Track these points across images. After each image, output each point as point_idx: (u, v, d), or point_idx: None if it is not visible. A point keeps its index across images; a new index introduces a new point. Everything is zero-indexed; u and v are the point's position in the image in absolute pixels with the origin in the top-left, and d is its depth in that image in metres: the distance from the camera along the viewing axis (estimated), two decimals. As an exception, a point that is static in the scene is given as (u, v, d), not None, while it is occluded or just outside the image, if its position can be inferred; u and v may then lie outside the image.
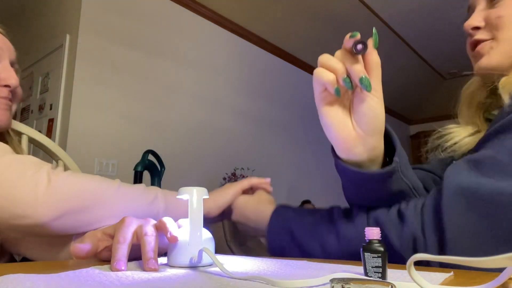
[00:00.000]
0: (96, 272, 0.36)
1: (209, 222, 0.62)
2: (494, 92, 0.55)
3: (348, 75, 0.42)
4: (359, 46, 0.40)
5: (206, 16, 2.95)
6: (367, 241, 0.34)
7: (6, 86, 0.66)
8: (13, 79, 0.66)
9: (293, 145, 3.64)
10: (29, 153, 0.72)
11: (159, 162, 1.90)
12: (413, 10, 3.26)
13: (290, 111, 3.66)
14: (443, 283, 0.32)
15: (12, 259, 0.67)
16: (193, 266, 0.42)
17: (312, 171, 3.79)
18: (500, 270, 0.26)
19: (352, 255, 0.46)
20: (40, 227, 0.50)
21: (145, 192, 0.58)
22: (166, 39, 2.67)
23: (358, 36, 0.40)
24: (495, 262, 0.24)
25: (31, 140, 0.93)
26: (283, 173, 3.43)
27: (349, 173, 0.48)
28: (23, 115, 2.64)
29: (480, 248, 0.39)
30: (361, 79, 0.41)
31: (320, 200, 3.35)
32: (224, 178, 2.84)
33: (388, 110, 5.23)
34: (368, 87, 0.41)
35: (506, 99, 0.47)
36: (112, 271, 0.37)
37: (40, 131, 1.30)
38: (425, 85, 4.94)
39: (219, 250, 0.43)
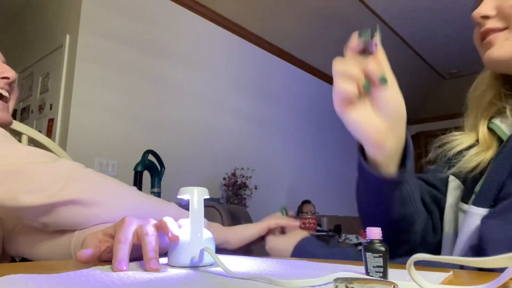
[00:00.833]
0: (97, 272, 0.36)
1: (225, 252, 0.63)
2: (503, 94, 0.52)
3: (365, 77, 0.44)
4: (374, 47, 0.42)
5: (206, 16, 2.95)
6: (368, 240, 0.34)
7: (4, 78, 0.67)
8: (10, 71, 0.68)
9: (293, 145, 3.64)
10: None
11: (159, 162, 1.90)
12: (413, 9, 3.26)
13: (290, 111, 3.66)
14: (443, 283, 0.32)
15: (12, 261, 0.67)
16: (194, 266, 0.42)
17: (312, 171, 3.79)
18: (499, 270, 0.26)
19: None
20: (48, 209, 0.50)
21: (158, 201, 0.59)
22: (166, 39, 2.67)
23: (369, 36, 0.42)
24: (495, 262, 0.24)
25: (31, 140, 0.93)
26: (283, 173, 3.43)
27: (371, 177, 0.49)
28: (23, 115, 2.64)
29: None
30: (380, 77, 0.43)
31: (320, 200, 3.35)
32: (224, 178, 2.84)
33: (388, 110, 5.23)
34: (386, 83, 0.43)
35: None
36: (114, 271, 0.37)
37: (40, 131, 1.30)
38: (425, 85, 4.94)
39: (219, 250, 0.43)
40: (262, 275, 0.34)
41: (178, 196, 0.46)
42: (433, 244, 0.58)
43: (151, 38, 2.57)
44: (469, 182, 0.54)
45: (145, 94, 2.50)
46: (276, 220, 0.68)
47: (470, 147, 0.55)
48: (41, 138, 0.95)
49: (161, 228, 0.44)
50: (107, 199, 0.53)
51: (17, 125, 0.85)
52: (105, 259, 0.44)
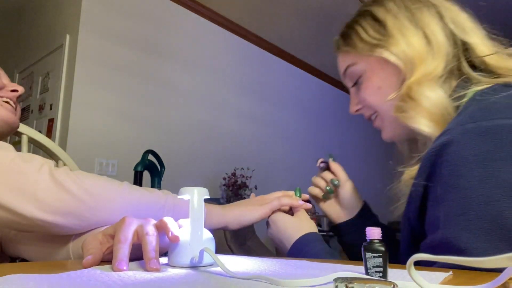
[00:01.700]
0: (97, 272, 0.36)
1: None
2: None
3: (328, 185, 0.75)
4: (322, 165, 0.76)
5: (206, 16, 2.95)
6: (368, 241, 0.34)
7: (13, 91, 0.71)
8: (19, 86, 0.73)
9: (293, 145, 3.64)
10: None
11: (159, 162, 1.90)
12: None
13: (290, 111, 3.66)
14: (442, 282, 0.32)
15: (12, 261, 0.67)
16: (194, 266, 0.42)
17: (312, 171, 3.78)
18: (499, 270, 0.26)
19: None
20: (37, 227, 0.49)
21: (153, 198, 0.56)
22: (166, 39, 2.67)
23: (320, 161, 0.77)
24: (495, 262, 0.24)
25: (31, 140, 0.93)
26: (283, 173, 3.43)
27: (336, 229, 0.78)
28: (23, 115, 2.64)
29: None
30: (331, 181, 0.74)
31: (320, 200, 3.34)
32: (224, 178, 2.84)
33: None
34: (336, 184, 0.73)
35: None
36: (114, 271, 0.37)
37: (40, 131, 1.30)
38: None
39: (219, 250, 0.43)
40: (262, 275, 0.34)
41: (179, 196, 0.46)
42: None
43: (151, 38, 2.57)
44: None
45: (145, 94, 2.50)
46: (279, 201, 0.67)
47: None
48: (41, 138, 0.95)
49: (161, 228, 0.44)
50: (102, 207, 0.51)
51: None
52: (106, 259, 0.44)
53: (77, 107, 2.16)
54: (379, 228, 0.34)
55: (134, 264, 0.42)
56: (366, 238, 0.34)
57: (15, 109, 0.71)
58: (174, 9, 2.74)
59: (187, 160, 2.65)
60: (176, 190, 0.58)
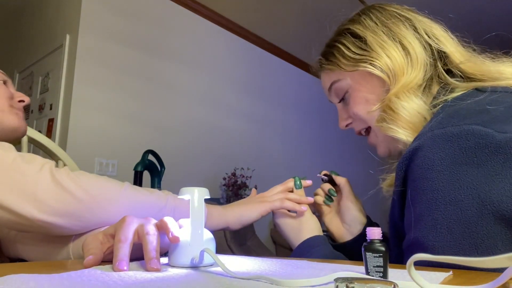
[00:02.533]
0: (98, 272, 0.36)
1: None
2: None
3: (327, 195, 0.75)
4: (324, 178, 0.75)
5: (206, 16, 2.95)
6: (369, 241, 0.34)
7: (21, 101, 0.75)
8: (25, 96, 0.76)
9: (293, 145, 3.64)
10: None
11: (159, 162, 1.89)
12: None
13: (290, 111, 3.66)
14: (442, 283, 0.32)
15: (12, 262, 0.67)
16: (194, 266, 0.42)
17: (311, 171, 3.79)
18: (498, 270, 0.26)
19: None
20: (37, 227, 0.49)
21: (154, 198, 0.56)
22: (166, 39, 2.67)
23: (323, 173, 0.76)
24: (495, 262, 0.24)
25: (31, 140, 0.93)
26: (283, 173, 3.43)
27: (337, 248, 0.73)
28: (23, 115, 2.64)
29: None
30: (329, 191, 0.74)
31: (320, 200, 3.34)
32: (224, 178, 2.84)
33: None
34: (333, 194, 0.73)
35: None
36: (115, 271, 0.37)
37: (40, 131, 1.30)
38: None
39: (219, 250, 0.43)
40: (263, 275, 0.34)
41: (179, 197, 0.46)
42: None
43: (151, 38, 2.57)
44: None
45: (145, 94, 2.50)
46: (282, 203, 0.67)
47: None
48: (41, 138, 0.95)
49: (161, 228, 0.44)
50: (102, 208, 0.51)
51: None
52: (106, 259, 0.43)
53: (77, 107, 2.16)
54: (379, 228, 0.34)
55: (134, 264, 0.42)
56: (367, 238, 0.35)
57: (23, 118, 0.75)
58: (174, 9, 2.74)
59: (187, 160, 2.65)
60: (176, 190, 0.58)
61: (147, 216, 0.47)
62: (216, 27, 3.05)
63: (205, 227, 0.45)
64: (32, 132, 0.92)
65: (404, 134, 0.54)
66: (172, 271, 0.39)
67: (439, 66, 0.58)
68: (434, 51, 0.58)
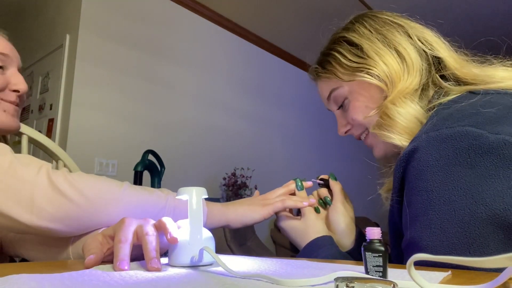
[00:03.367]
0: (99, 272, 0.36)
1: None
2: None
3: (322, 200, 0.72)
4: (319, 182, 0.73)
5: (206, 16, 2.95)
6: (368, 240, 0.34)
7: (15, 91, 0.68)
8: (22, 84, 0.68)
9: (293, 145, 3.64)
10: (29, 153, 0.71)
11: (159, 162, 1.90)
12: (413, 8, 3.26)
13: (290, 111, 3.67)
14: (442, 282, 0.33)
15: (12, 261, 0.67)
16: (193, 266, 0.42)
17: (312, 171, 3.79)
18: (498, 270, 0.26)
19: None
20: (36, 231, 0.49)
21: (153, 199, 0.56)
22: (166, 39, 2.67)
23: (319, 178, 0.74)
24: (495, 262, 0.24)
25: (31, 140, 0.93)
26: (283, 173, 3.43)
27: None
28: (23, 115, 2.64)
29: None
30: (325, 198, 0.71)
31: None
32: (224, 178, 2.84)
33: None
34: (328, 202, 0.70)
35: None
36: (115, 271, 0.38)
37: (40, 131, 1.30)
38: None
39: (218, 250, 0.43)
40: (263, 274, 0.34)
41: (177, 197, 0.46)
42: None
43: (151, 38, 2.57)
44: None
45: (145, 94, 2.50)
46: (283, 203, 0.67)
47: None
48: (41, 138, 0.95)
49: (160, 228, 0.44)
50: (100, 211, 0.51)
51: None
52: (106, 261, 0.44)
53: (77, 107, 2.16)
54: (379, 228, 0.35)
55: (134, 264, 0.42)
56: (366, 238, 0.35)
57: (17, 109, 0.68)
58: (174, 9, 2.74)
59: (187, 160, 2.65)
60: (176, 190, 0.58)
61: (147, 216, 0.47)
62: (216, 27, 3.05)
63: (205, 225, 0.45)
64: (32, 132, 0.92)
65: (400, 140, 0.55)
66: (172, 271, 0.39)
67: (433, 71, 0.59)
68: (429, 56, 0.59)
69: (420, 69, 0.58)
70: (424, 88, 0.58)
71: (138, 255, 0.44)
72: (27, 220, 0.47)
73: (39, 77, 2.55)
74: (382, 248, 0.33)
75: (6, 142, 0.71)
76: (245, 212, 0.64)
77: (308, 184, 0.72)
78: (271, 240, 3.13)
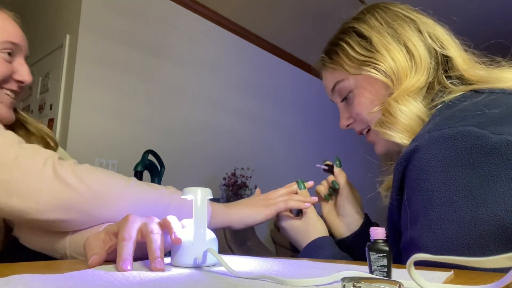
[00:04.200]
0: (102, 273, 0.36)
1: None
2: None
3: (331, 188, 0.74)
4: (324, 167, 0.76)
5: (206, 16, 2.95)
6: (372, 240, 0.34)
7: (19, 81, 0.67)
8: (27, 75, 0.67)
9: (293, 145, 3.64)
10: None
11: (159, 162, 1.89)
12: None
13: (290, 111, 3.66)
14: (445, 282, 0.33)
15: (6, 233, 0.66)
16: (197, 266, 0.42)
17: (312, 171, 3.79)
18: (496, 270, 0.26)
19: None
20: (41, 223, 0.49)
21: (159, 196, 0.55)
22: (166, 39, 2.67)
23: (325, 163, 0.77)
24: (496, 262, 0.24)
25: (32, 140, 0.92)
26: (283, 173, 3.43)
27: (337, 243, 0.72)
28: (22, 115, 2.63)
29: None
30: (332, 183, 0.74)
31: (319, 200, 3.34)
32: (224, 178, 2.84)
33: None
34: (335, 186, 0.73)
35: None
36: (118, 271, 0.37)
37: (40, 131, 1.30)
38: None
39: (219, 250, 0.43)
40: (267, 274, 0.34)
41: (182, 196, 0.46)
42: None
43: (151, 38, 2.57)
44: None
45: (145, 94, 2.50)
46: (285, 204, 0.66)
47: None
48: (42, 138, 0.95)
49: (164, 227, 0.44)
50: (105, 205, 0.50)
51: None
52: (109, 258, 0.43)
53: (77, 107, 2.16)
54: (383, 228, 0.35)
55: (138, 263, 0.42)
56: (370, 238, 0.35)
57: (13, 102, 0.67)
58: (174, 9, 2.74)
59: (187, 160, 2.65)
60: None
61: (151, 213, 0.47)
62: (216, 27, 3.05)
63: (208, 226, 0.45)
64: (33, 132, 0.92)
65: (401, 138, 0.54)
66: (176, 271, 0.39)
67: (440, 69, 0.58)
68: (438, 55, 0.58)
69: (428, 67, 0.57)
70: (429, 87, 0.57)
71: (141, 254, 0.43)
72: (33, 213, 0.47)
73: (39, 77, 2.55)
74: (387, 248, 0.33)
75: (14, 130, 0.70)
76: (247, 213, 0.64)
77: (310, 184, 0.72)
78: (271, 240, 3.13)
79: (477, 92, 0.52)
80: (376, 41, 0.59)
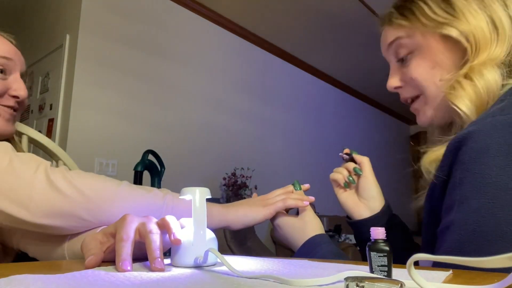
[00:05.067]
0: (102, 273, 0.36)
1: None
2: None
3: (350, 175, 0.73)
4: (345, 157, 0.75)
5: (206, 16, 2.95)
6: (373, 240, 0.34)
7: (14, 96, 0.68)
8: (22, 90, 0.68)
9: (293, 145, 3.65)
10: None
11: (159, 162, 1.89)
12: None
13: (290, 111, 3.67)
14: (444, 282, 0.33)
15: (18, 257, 0.67)
16: (197, 266, 0.42)
17: (312, 171, 3.79)
18: (495, 270, 0.26)
19: None
20: (34, 227, 0.50)
21: (151, 198, 0.55)
22: (166, 39, 2.67)
23: (344, 151, 0.75)
24: (496, 262, 0.24)
25: (31, 140, 0.93)
26: (283, 173, 3.43)
27: (357, 224, 0.73)
28: (23, 115, 2.64)
29: None
30: (354, 169, 0.72)
31: (320, 200, 3.35)
32: (224, 178, 2.84)
33: (388, 110, 5.24)
34: (359, 172, 0.71)
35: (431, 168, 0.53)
36: (118, 271, 0.37)
37: (40, 131, 1.30)
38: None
39: (219, 250, 0.43)
40: (269, 274, 0.34)
41: (180, 197, 0.46)
42: None
43: (151, 38, 2.57)
44: None
45: (145, 94, 2.50)
46: (284, 203, 0.66)
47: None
48: (41, 138, 0.95)
49: (163, 227, 0.43)
50: (98, 209, 0.51)
51: (17, 125, 0.85)
52: (107, 259, 0.43)
53: (77, 107, 2.16)
54: (383, 228, 0.35)
55: (137, 264, 0.42)
56: (371, 238, 0.35)
57: (13, 114, 0.68)
58: (174, 9, 2.74)
59: (187, 160, 2.65)
60: (176, 190, 0.57)
61: (144, 215, 0.47)
62: (216, 27, 3.05)
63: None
64: (32, 132, 0.92)
65: (468, 108, 0.51)
66: (177, 271, 0.39)
67: None
68: None
69: (509, 42, 0.53)
70: (505, 64, 0.53)
71: (140, 254, 0.43)
72: (25, 217, 0.48)
73: (39, 77, 2.55)
74: (387, 248, 0.33)
75: (8, 141, 0.71)
76: (246, 213, 0.64)
77: (306, 186, 0.72)
78: (271, 240, 3.13)
79: None
80: (460, 6, 0.55)
